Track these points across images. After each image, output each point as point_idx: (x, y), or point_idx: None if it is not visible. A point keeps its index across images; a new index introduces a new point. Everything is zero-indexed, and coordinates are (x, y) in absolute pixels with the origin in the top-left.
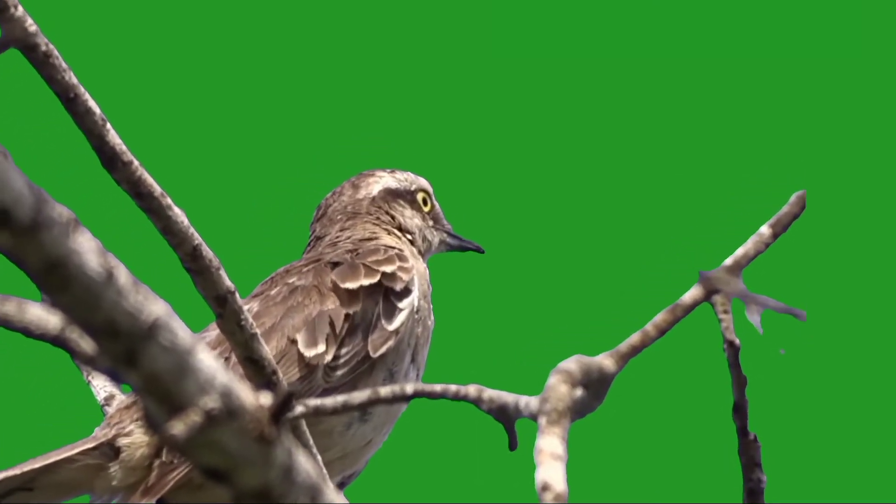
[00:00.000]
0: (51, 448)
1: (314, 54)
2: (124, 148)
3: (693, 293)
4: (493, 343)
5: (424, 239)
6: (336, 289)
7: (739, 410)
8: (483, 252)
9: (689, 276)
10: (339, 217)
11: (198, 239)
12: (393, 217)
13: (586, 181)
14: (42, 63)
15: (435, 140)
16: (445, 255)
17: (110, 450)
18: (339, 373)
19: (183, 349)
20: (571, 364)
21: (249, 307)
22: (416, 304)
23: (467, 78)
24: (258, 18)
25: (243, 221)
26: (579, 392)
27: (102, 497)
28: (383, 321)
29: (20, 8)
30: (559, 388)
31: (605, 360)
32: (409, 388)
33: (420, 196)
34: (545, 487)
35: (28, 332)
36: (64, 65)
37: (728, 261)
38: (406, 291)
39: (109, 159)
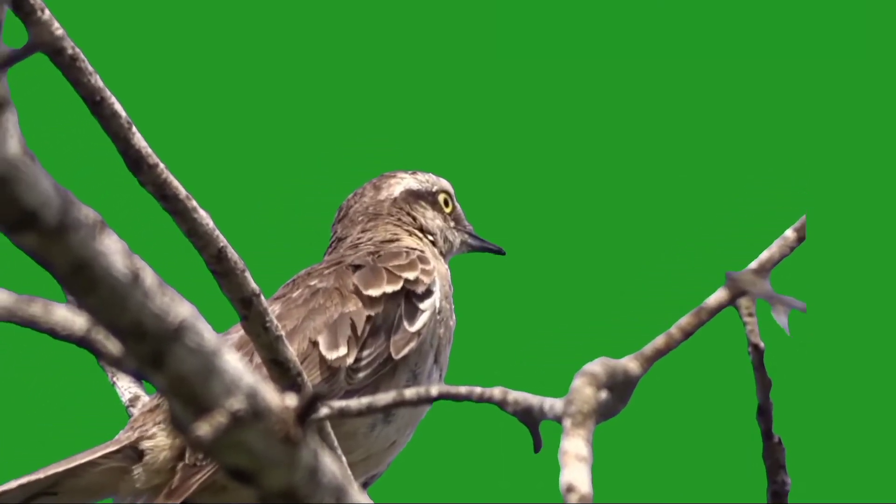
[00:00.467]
0: (76, 449)
1: (338, 58)
2: (150, 151)
3: (718, 296)
4: (516, 344)
5: (446, 240)
6: (358, 292)
7: (764, 413)
8: (504, 254)
9: (714, 278)
10: (360, 218)
11: (223, 241)
12: (414, 218)
13: (611, 183)
14: (68, 66)
15: (457, 141)
16: (467, 256)
17: (134, 453)
18: (362, 375)
19: (209, 351)
20: (596, 366)
21: (271, 309)
22: (437, 305)
23: (490, 80)
24: (288, 21)
25: (267, 223)
26: (604, 394)
27: (126, 500)
28: (405, 323)
29: (47, 11)
30: (584, 390)
31: (630, 363)
32: (434, 390)
33: (441, 197)
34: (570, 489)
35: (54, 333)
36: (90, 68)
37: (753, 264)
38: (428, 293)
39: (135, 162)
